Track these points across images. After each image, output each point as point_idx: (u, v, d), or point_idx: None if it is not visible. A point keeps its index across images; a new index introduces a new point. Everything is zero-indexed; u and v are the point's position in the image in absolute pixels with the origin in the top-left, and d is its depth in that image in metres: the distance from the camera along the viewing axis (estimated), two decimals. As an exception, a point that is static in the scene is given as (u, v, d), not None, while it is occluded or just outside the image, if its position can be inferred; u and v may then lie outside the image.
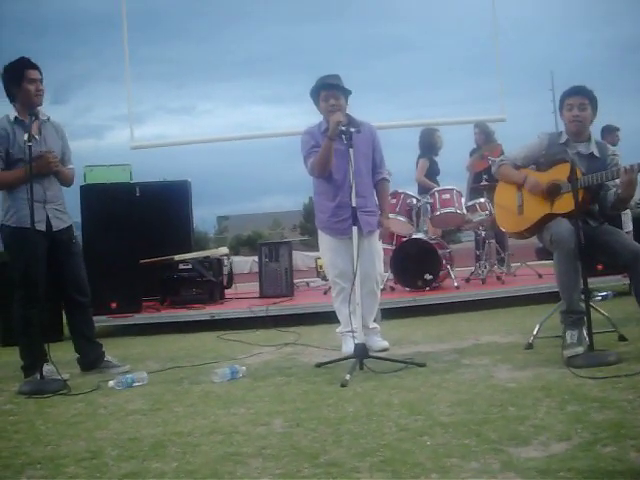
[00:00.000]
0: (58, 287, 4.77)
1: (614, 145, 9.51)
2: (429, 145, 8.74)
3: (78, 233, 7.13)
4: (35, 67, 4.60)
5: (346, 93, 4.79)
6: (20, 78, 4.53)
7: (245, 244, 38.45)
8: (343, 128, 4.41)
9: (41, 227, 4.53)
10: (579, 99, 4.34)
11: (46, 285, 4.54)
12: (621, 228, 6.68)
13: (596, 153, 4.35)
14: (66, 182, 4.85)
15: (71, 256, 4.80)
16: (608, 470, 2.24)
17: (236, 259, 17.06)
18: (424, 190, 8.22)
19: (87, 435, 3.17)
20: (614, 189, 4.28)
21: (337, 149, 4.63)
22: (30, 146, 4.32)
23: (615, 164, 4.31)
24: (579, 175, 4.13)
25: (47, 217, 4.62)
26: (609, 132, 9.53)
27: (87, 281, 4.90)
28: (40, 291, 4.42)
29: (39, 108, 4.63)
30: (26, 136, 4.32)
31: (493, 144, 8.44)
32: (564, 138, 4.40)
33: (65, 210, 4.84)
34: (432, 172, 8.73)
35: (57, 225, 4.70)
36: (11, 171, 4.51)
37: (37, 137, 4.57)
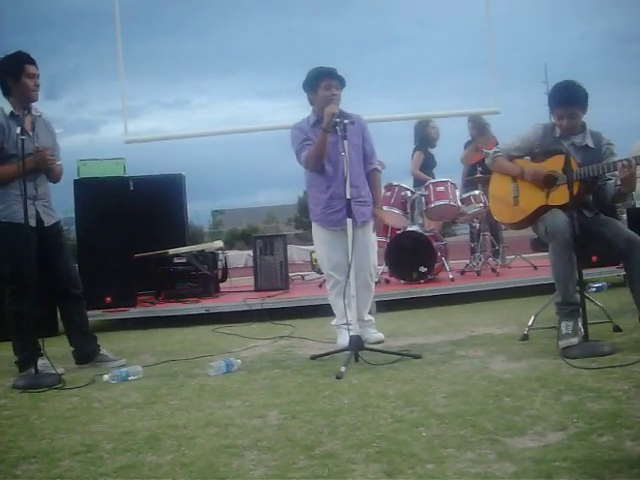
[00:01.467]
0: (51, 281, 4.74)
1: None
2: (423, 137, 8.73)
3: (72, 227, 7.14)
4: (34, 62, 4.57)
5: (343, 84, 4.77)
6: (19, 72, 4.48)
7: (240, 238, 38.37)
8: (337, 120, 4.40)
9: (31, 222, 4.50)
10: (569, 109, 4.24)
11: (38, 279, 4.52)
12: (618, 218, 6.69)
13: (591, 144, 4.32)
14: (55, 179, 4.83)
15: (61, 249, 4.79)
16: (604, 459, 2.25)
17: (231, 253, 17.04)
18: (419, 183, 8.21)
19: (82, 429, 3.16)
20: (613, 179, 4.26)
21: (329, 141, 4.61)
22: (23, 140, 4.30)
23: (610, 154, 4.30)
24: (574, 167, 4.12)
25: (37, 213, 4.59)
26: None
27: (77, 273, 4.89)
28: (31, 285, 4.40)
29: (32, 104, 4.61)
30: (19, 129, 4.30)
31: (487, 136, 8.43)
32: (558, 132, 4.37)
33: (52, 207, 4.82)
34: (428, 165, 8.71)
35: (48, 221, 4.68)
36: (5, 166, 4.48)
37: (30, 133, 4.54)
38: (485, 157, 7.39)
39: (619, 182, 4.16)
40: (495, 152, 4.67)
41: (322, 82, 4.71)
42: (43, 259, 4.61)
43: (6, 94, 4.58)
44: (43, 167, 4.59)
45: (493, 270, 7.75)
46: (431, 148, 8.83)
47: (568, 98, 4.27)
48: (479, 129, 8.67)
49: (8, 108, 4.54)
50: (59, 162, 4.84)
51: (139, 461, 2.63)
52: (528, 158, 4.53)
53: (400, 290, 7.02)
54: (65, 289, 4.79)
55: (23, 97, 4.53)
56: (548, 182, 4.33)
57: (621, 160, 4.09)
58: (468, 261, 8.27)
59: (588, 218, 4.29)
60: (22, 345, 4.53)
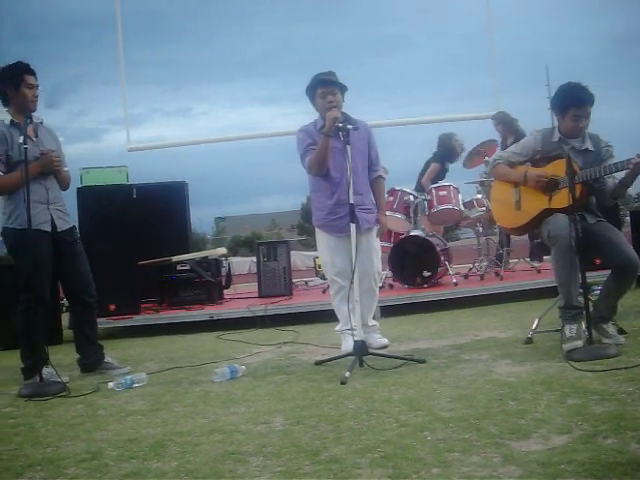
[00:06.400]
0: (65, 288, 4.74)
1: None
2: (448, 149, 8.71)
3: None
4: (34, 73, 4.60)
5: (342, 89, 4.76)
6: (19, 82, 4.52)
7: (243, 245, 38.41)
8: (340, 125, 4.40)
9: (47, 228, 4.54)
10: (587, 108, 4.25)
11: (51, 288, 4.51)
12: (621, 225, 6.67)
13: (590, 147, 4.32)
14: (64, 185, 4.83)
15: (76, 256, 4.78)
16: (609, 462, 2.24)
17: (234, 260, 17.07)
18: (421, 189, 8.19)
19: (87, 436, 3.16)
20: (611, 178, 4.27)
21: (334, 146, 4.62)
22: (26, 148, 4.31)
23: (610, 156, 4.30)
24: (577, 170, 4.12)
25: (52, 218, 4.60)
26: None
27: (93, 281, 4.88)
28: (46, 294, 4.39)
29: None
30: (21, 138, 4.31)
31: (511, 132, 8.23)
32: (557, 136, 4.36)
33: (67, 211, 4.84)
34: (440, 177, 8.68)
35: (61, 226, 4.69)
36: (11, 174, 4.49)
37: (34, 139, 4.57)
38: (485, 164, 7.38)
39: (623, 176, 4.14)
40: (495, 160, 4.66)
41: (317, 90, 4.75)
42: (56, 265, 4.62)
43: (5, 104, 4.60)
44: (50, 169, 4.60)
45: (497, 274, 7.74)
46: (450, 162, 8.82)
47: (587, 98, 4.26)
48: (505, 124, 8.45)
49: (8, 118, 4.56)
50: (66, 168, 4.85)
51: (144, 468, 2.63)
52: (529, 164, 4.53)
53: (404, 295, 7.02)
54: (79, 297, 4.79)
55: (22, 107, 4.54)
56: (550, 186, 4.32)
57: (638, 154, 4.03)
58: (471, 265, 8.26)
59: (590, 225, 4.26)
60: (29, 353, 4.52)
